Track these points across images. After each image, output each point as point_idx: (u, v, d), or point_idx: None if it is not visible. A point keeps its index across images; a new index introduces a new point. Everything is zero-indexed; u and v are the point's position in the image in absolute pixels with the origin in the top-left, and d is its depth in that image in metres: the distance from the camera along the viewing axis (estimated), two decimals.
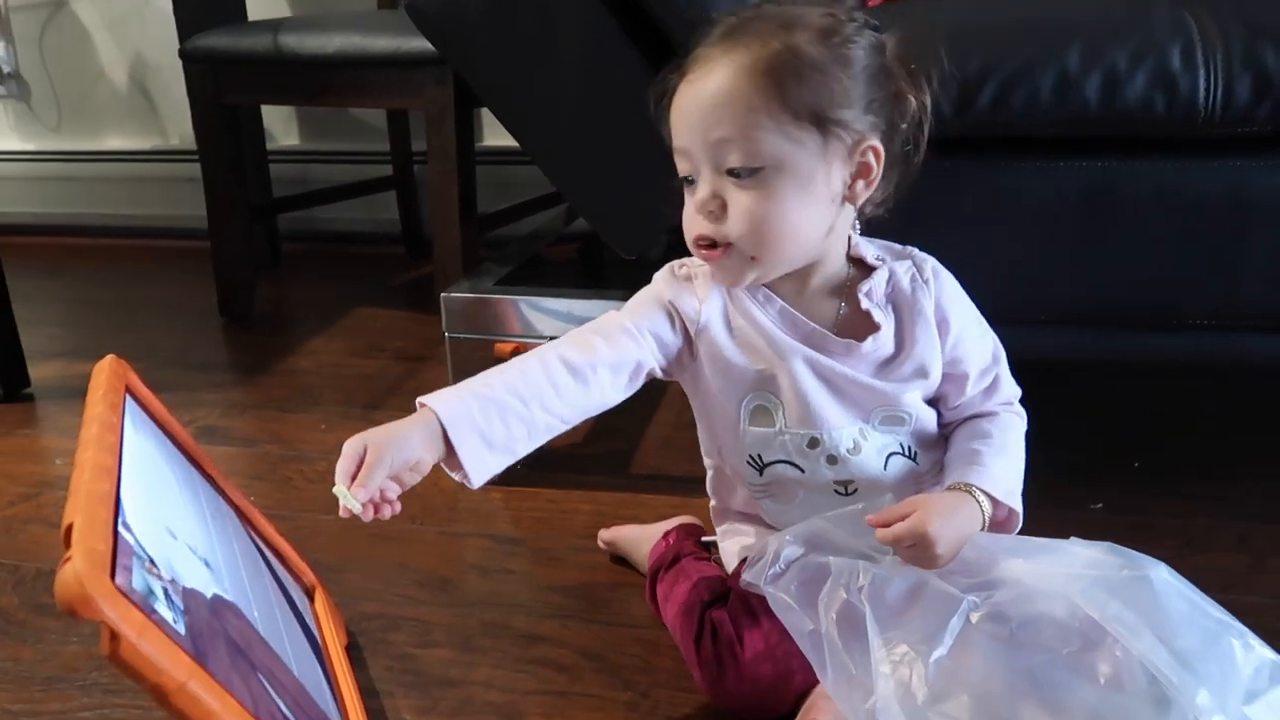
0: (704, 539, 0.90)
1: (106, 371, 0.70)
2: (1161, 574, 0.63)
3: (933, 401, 0.76)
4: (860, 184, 0.69)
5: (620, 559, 0.99)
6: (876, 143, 0.67)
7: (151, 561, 0.54)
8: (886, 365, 0.73)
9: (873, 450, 0.74)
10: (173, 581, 0.55)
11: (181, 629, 0.51)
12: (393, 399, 1.41)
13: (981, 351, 0.75)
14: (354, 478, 0.64)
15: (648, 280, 0.78)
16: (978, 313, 0.76)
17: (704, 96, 0.66)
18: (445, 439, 0.65)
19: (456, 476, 0.68)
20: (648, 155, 1.00)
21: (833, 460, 0.74)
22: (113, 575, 0.47)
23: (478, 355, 1.10)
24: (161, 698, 0.47)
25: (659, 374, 0.76)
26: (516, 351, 1.30)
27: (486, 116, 2.06)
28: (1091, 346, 0.95)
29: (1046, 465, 0.80)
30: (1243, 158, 0.85)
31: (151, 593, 0.51)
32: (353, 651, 0.85)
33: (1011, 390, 0.77)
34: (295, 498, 1.14)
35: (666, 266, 0.78)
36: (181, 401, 1.41)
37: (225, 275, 1.78)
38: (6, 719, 0.78)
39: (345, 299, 1.92)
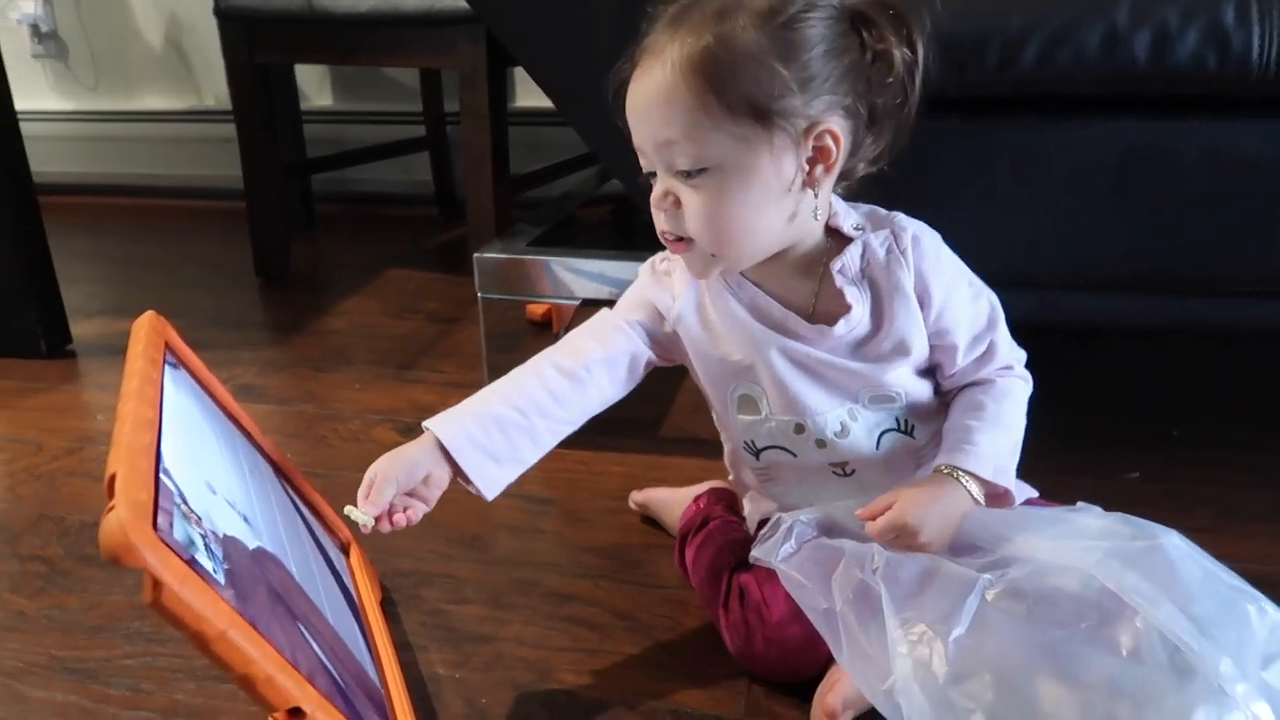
0: (733, 505, 0.91)
1: (146, 327, 0.71)
2: (1174, 541, 0.62)
3: (928, 371, 0.74)
4: (819, 169, 0.65)
5: (651, 520, 0.99)
6: (833, 125, 0.64)
7: (192, 512, 0.55)
8: (863, 345, 0.71)
9: (863, 430, 0.73)
10: (213, 532, 0.56)
11: (221, 578, 0.52)
12: (424, 359, 1.42)
13: (973, 318, 0.72)
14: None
15: None
16: (970, 278, 0.73)
17: (646, 97, 0.64)
18: (450, 459, 0.70)
19: (473, 491, 0.72)
20: None
21: (821, 444, 0.73)
22: (154, 524, 0.48)
23: (510, 316, 1.11)
24: (202, 645, 0.48)
25: (658, 362, 0.78)
26: (548, 314, 1.31)
27: (519, 76, 2.05)
28: (1131, 312, 0.93)
29: (1081, 432, 0.78)
30: None
31: (192, 542, 0.52)
32: (387, 606, 0.86)
33: (1010, 355, 0.74)
34: (330, 455, 1.15)
35: (648, 262, 0.78)
36: (218, 360, 1.43)
37: (260, 235, 1.79)
38: (54, 664, 0.80)
39: (378, 260, 1.93)
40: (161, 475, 0.55)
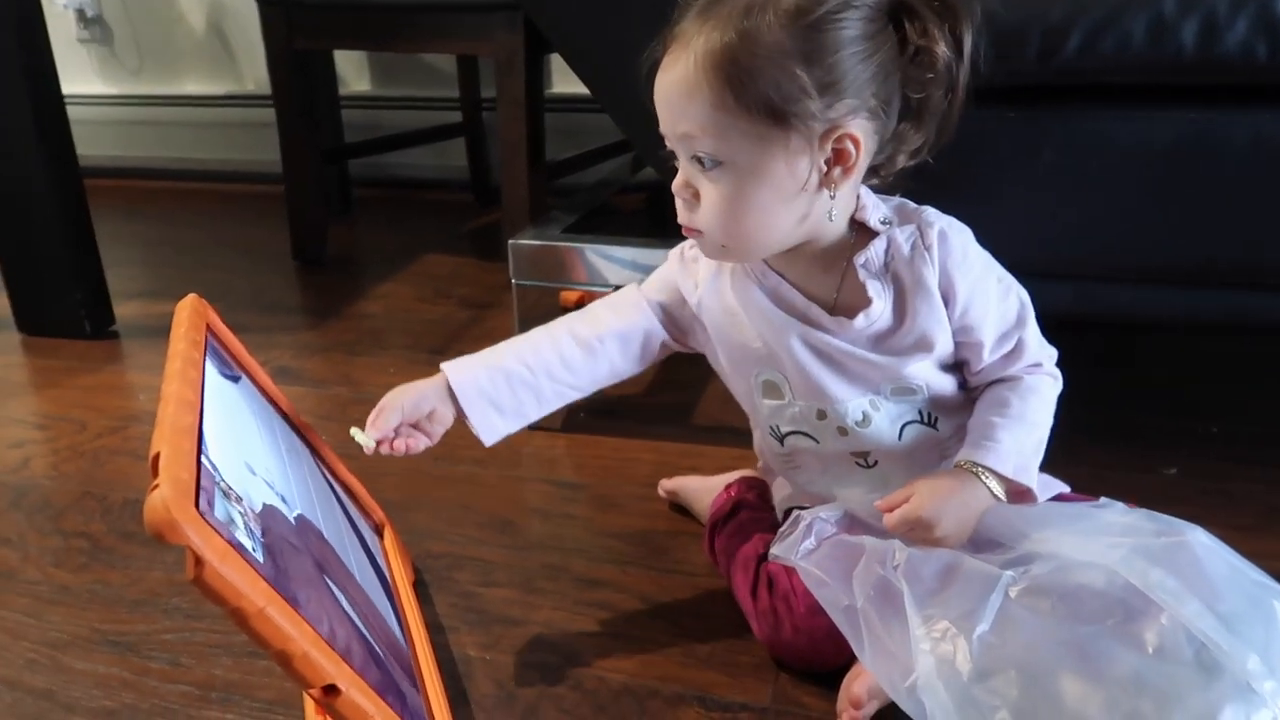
0: (764, 494, 0.91)
1: (189, 310, 0.72)
2: (1200, 537, 0.62)
3: (955, 367, 0.74)
4: (837, 171, 0.64)
5: (680, 508, 0.99)
6: (853, 129, 0.63)
7: (232, 491, 0.56)
8: (885, 339, 0.71)
9: (885, 420, 0.73)
10: (252, 511, 0.57)
11: (260, 556, 0.53)
12: (458, 345, 1.43)
13: (1001, 315, 0.71)
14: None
15: None
16: (1000, 274, 0.71)
17: (669, 86, 0.64)
18: (456, 402, 0.75)
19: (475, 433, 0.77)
20: None
21: (843, 431, 0.74)
22: (196, 503, 0.49)
23: (545, 302, 1.11)
24: (242, 621, 0.49)
25: (673, 345, 0.80)
26: (582, 300, 1.31)
27: (556, 63, 2.06)
28: (1176, 305, 0.92)
29: (1119, 427, 0.78)
30: None
31: (232, 521, 0.53)
32: (419, 588, 0.87)
33: (1040, 352, 0.73)
34: None
35: (678, 248, 0.79)
36: (255, 342, 1.44)
37: (298, 219, 1.81)
38: (96, 637, 0.82)
39: (414, 245, 1.95)
40: (203, 455, 0.56)
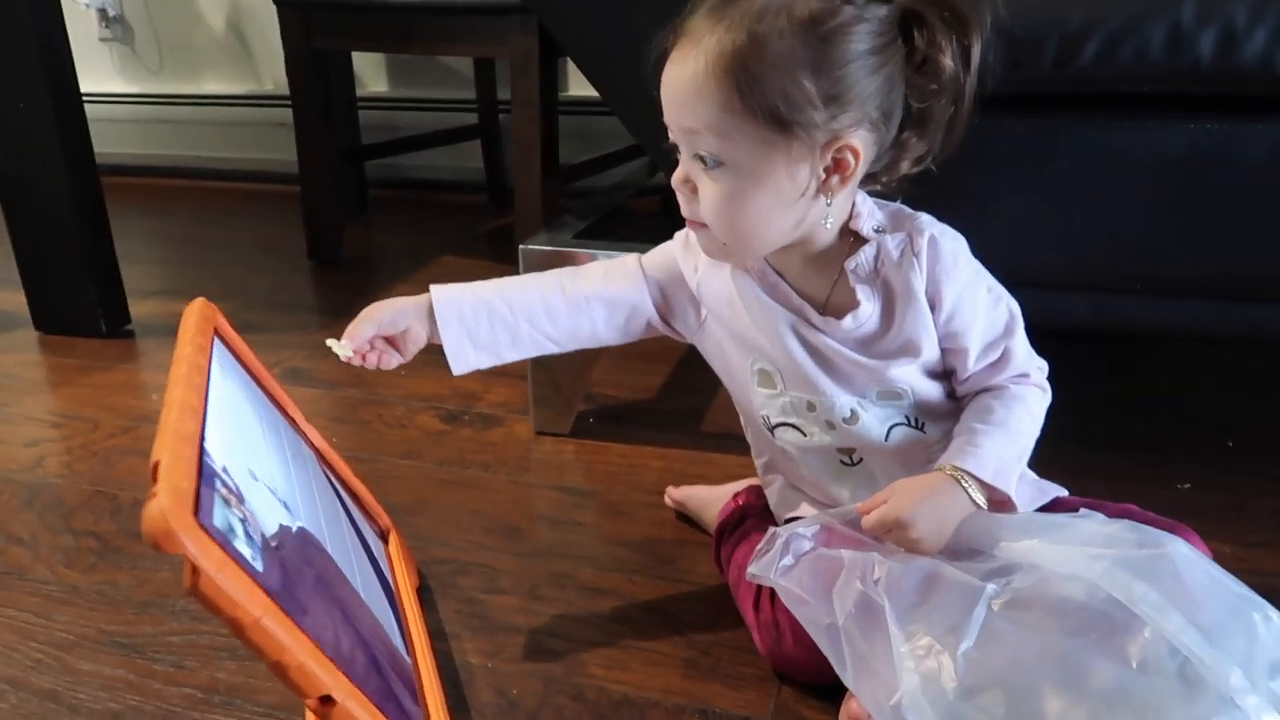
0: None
1: (196, 314, 0.72)
2: (1181, 549, 0.61)
3: (943, 374, 0.75)
4: (835, 179, 0.65)
5: (687, 518, 0.99)
6: (854, 140, 0.63)
7: (233, 498, 0.56)
8: (872, 342, 0.72)
9: (873, 420, 0.74)
10: (253, 518, 0.57)
11: (259, 565, 0.53)
12: None
13: (989, 324, 0.72)
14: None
15: None
16: (990, 283, 0.72)
17: (678, 82, 0.65)
18: (433, 323, 0.76)
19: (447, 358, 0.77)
20: None
21: (830, 426, 0.75)
22: (195, 511, 0.49)
23: None
24: (238, 631, 0.49)
25: (659, 326, 0.81)
26: None
27: (571, 66, 2.06)
28: (1191, 318, 0.91)
29: (1132, 438, 0.77)
30: None
31: (232, 529, 0.53)
32: (423, 594, 0.87)
33: (1028, 363, 0.73)
34: (374, 441, 1.17)
35: (683, 230, 0.78)
36: (269, 342, 1.46)
37: (314, 220, 1.82)
38: (102, 638, 0.83)
39: (429, 246, 1.95)
40: (205, 461, 0.56)
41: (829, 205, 0.67)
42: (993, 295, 0.72)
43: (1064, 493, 0.78)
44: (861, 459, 0.76)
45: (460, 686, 0.77)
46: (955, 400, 0.75)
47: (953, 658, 0.58)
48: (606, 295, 0.79)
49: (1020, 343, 0.73)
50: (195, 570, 0.47)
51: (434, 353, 1.41)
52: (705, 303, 0.78)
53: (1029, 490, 0.76)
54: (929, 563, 0.65)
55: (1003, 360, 0.73)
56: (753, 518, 0.87)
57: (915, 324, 0.70)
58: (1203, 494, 1.00)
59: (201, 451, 0.56)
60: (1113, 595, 0.59)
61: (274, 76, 2.36)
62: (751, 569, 0.71)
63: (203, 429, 0.58)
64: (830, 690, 0.72)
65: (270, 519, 0.61)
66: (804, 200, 0.66)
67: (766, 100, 0.61)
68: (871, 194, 0.73)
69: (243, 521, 0.55)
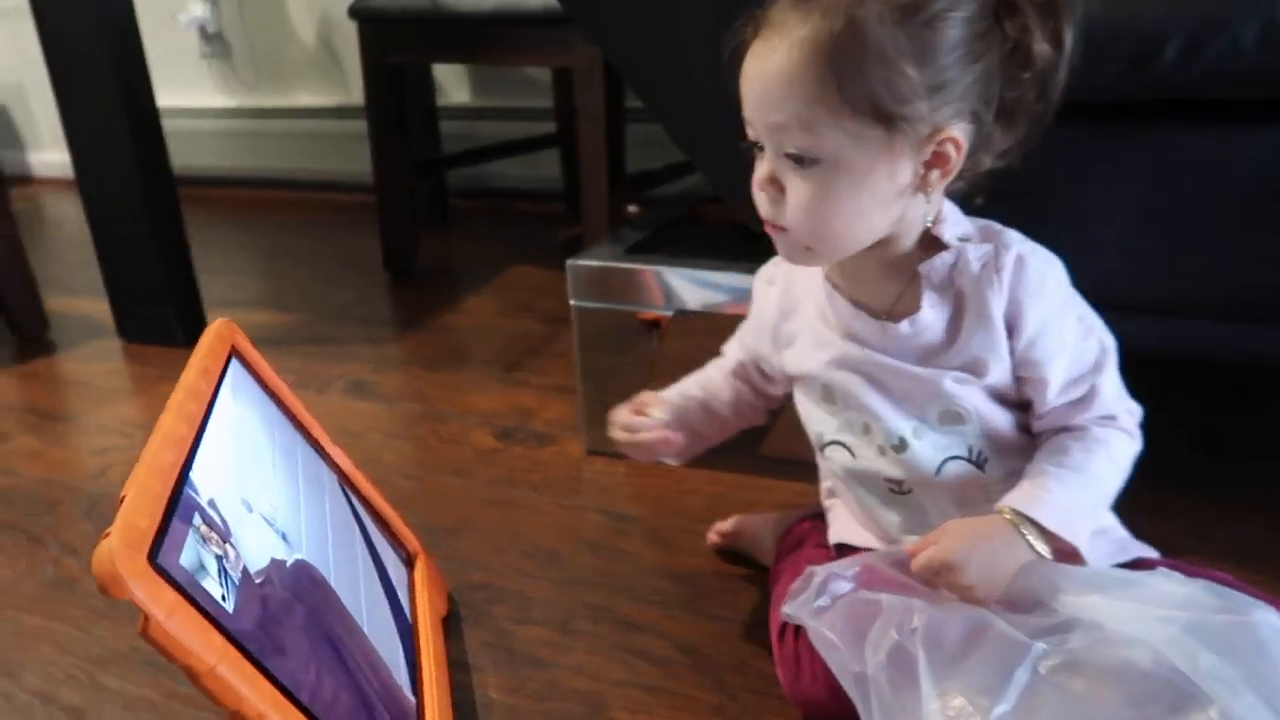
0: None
1: (211, 336, 0.71)
2: (1269, 618, 0.53)
3: (1018, 405, 0.67)
4: (935, 174, 0.61)
5: (734, 554, 0.93)
6: (956, 133, 0.59)
7: (213, 534, 0.54)
8: (932, 355, 0.66)
9: (926, 450, 0.67)
10: (236, 555, 0.55)
11: (230, 606, 0.51)
12: (532, 360, 1.41)
13: (1076, 356, 0.65)
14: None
15: None
16: (1082, 312, 0.66)
17: (766, 75, 0.60)
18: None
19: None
20: None
21: (882, 452, 0.69)
22: (154, 552, 0.47)
23: (607, 323, 1.07)
24: (192, 678, 0.47)
25: (769, 395, 0.81)
26: (658, 321, 1.25)
27: None
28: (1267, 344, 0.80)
29: (1217, 477, 0.68)
30: None
31: (202, 567, 0.51)
32: (452, 622, 0.85)
33: (1117, 405, 0.66)
34: (426, 457, 1.15)
35: (757, 275, 0.78)
36: (337, 354, 1.47)
37: (389, 232, 1.83)
38: (134, 656, 0.83)
39: (505, 256, 1.94)
40: (187, 493, 0.54)
41: (928, 202, 0.63)
42: (1083, 325, 0.66)
43: (1153, 554, 0.69)
44: (911, 490, 0.70)
45: None
46: (1028, 436, 0.68)
47: None
48: (720, 400, 0.82)
49: (1110, 380, 0.66)
50: (146, 615, 0.45)
51: (495, 365, 1.40)
52: (782, 332, 0.75)
53: (1106, 546, 0.68)
54: (976, 613, 0.59)
55: (1088, 398, 0.65)
56: (812, 542, 0.82)
57: (983, 343, 0.65)
58: None
59: (181, 483, 0.54)
60: (1177, 666, 0.51)
61: (361, 89, 2.40)
62: (785, 608, 0.66)
63: (189, 458, 0.56)
64: None
65: (261, 553, 0.58)
66: (901, 198, 0.62)
67: (868, 92, 0.57)
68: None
69: (219, 558, 0.53)
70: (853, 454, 0.71)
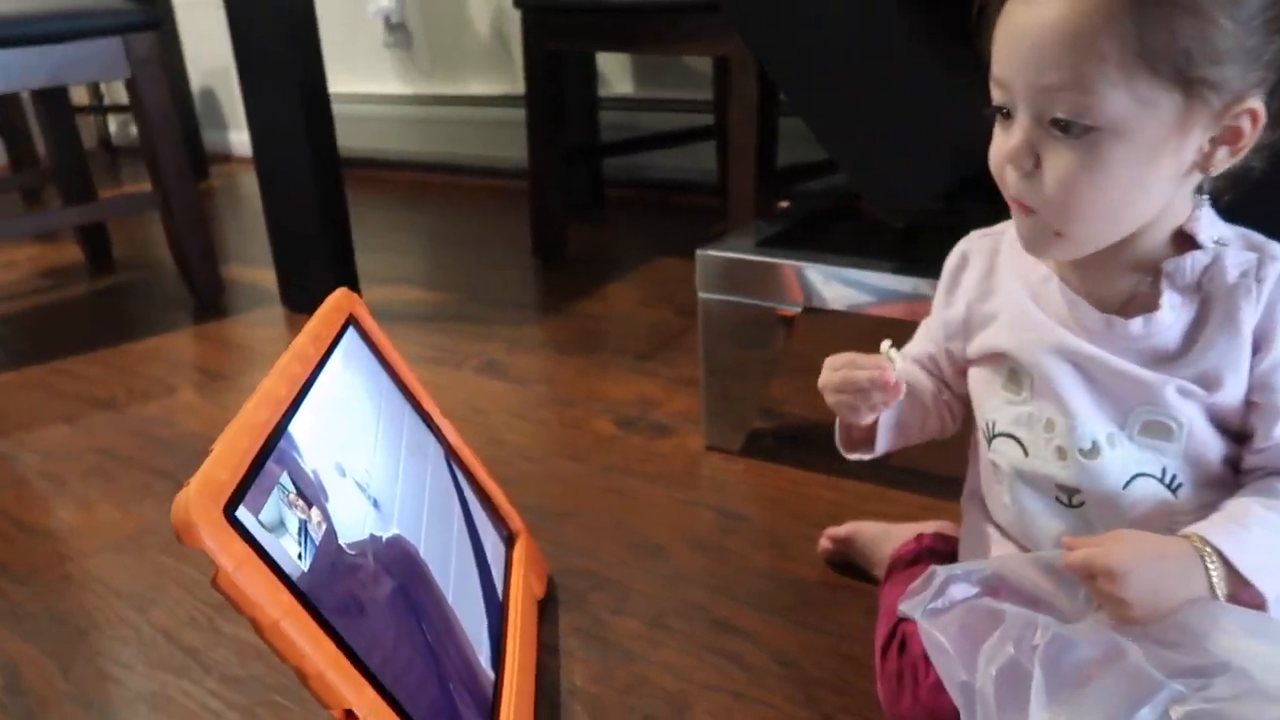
0: (955, 551, 0.78)
1: (330, 305, 0.74)
2: None
3: (1233, 435, 0.59)
4: (1222, 150, 0.54)
5: (845, 564, 0.89)
6: (1257, 104, 0.52)
7: (300, 496, 0.55)
8: (1161, 360, 0.59)
9: (1116, 462, 0.59)
10: (319, 517, 0.56)
11: (305, 565, 0.52)
12: (664, 352, 1.40)
13: None
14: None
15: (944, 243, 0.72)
16: None
17: (1040, 27, 0.53)
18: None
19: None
20: (920, 112, 0.88)
21: (1062, 454, 0.61)
22: (235, 504, 0.49)
23: (737, 318, 1.04)
24: (257, 630, 0.48)
25: (956, 391, 0.72)
26: (783, 318, 1.22)
27: None
28: None
29: None
30: None
31: (282, 525, 0.52)
32: (548, 605, 0.84)
33: None
34: (547, 440, 1.16)
35: (949, 258, 0.71)
36: (477, 334, 1.50)
37: (538, 218, 1.86)
38: None
39: (653, 247, 1.94)
40: (282, 448, 0.55)
41: (1206, 181, 0.56)
42: None
43: None
44: (1083, 503, 0.62)
45: (557, 710, 0.73)
46: (1231, 471, 0.60)
47: None
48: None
49: None
50: (217, 565, 0.46)
51: (626, 354, 1.39)
52: (980, 313, 0.67)
53: None
54: (1110, 638, 0.53)
55: None
56: (930, 560, 0.76)
57: (1223, 355, 0.57)
58: None
59: (273, 439, 0.55)
60: None
61: None
62: (902, 604, 0.61)
63: (286, 419, 0.58)
64: None
65: (353, 520, 0.59)
66: (1180, 178, 0.55)
67: (1176, 49, 0.50)
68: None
69: (302, 519, 0.54)
70: (1026, 451, 0.64)
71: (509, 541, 0.84)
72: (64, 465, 1.15)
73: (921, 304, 0.93)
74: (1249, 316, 0.57)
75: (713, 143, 2.12)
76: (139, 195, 1.99)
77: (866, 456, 0.70)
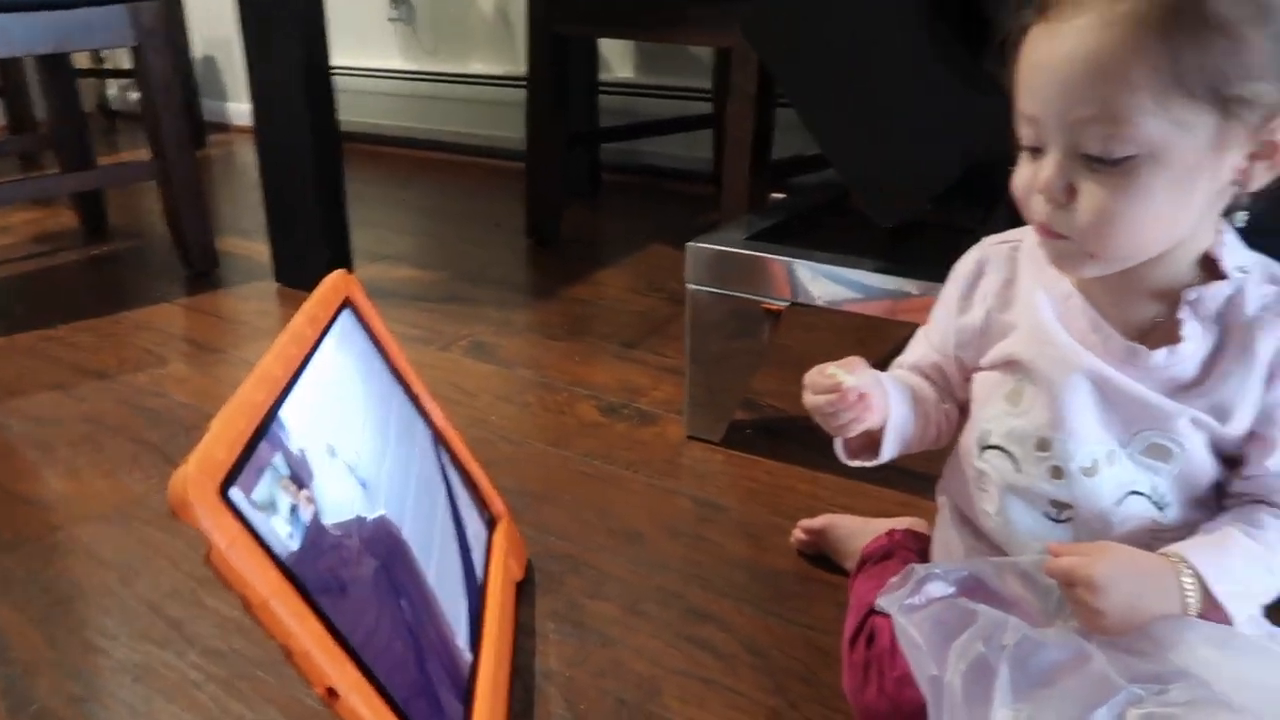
0: (926, 549, 0.81)
1: (327, 286, 0.75)
2: None
3: (1228, 460, 0.61)
4: (1260, 166, 0.54)
5: (817, 557, 0.91)
6: None
7: (292, 477, 0.57)
8: (1178, 390, 0.59)
9: (1112, 480, 0.60)
10: (308, 498, 0.58)
11: (295, 545, 0.54)
12: (651, 340, 1.41)
13: None
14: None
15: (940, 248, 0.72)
16: None
17: (1069, 60, 0.53)
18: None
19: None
20: (917, 115, 0.90)
21: (1058, 474, 0.62)
22: (227, 482, 0.50)
23: (724, 310, 1.06)
24: (246, 608, 0.50)
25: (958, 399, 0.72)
26: (770, 312, 1.23)
27: None
28: None
29: None
30: None
31: (273, 505, 0.54)
32: (525, 587, 0.86)
33: None
34: (529, 423, 1.18)
35: (961, 262, 0.70)
36: (465, 314, 1.52)
37: (534, 200, 1.87)
38: None
39: (647, 233, 1.95)
40: (273, 430, 0.57)
41: (1243, 197, 0.56)
42: None
43: None
44: (1070, 519, 0.63)
45: (532, 691, 0.75)
46: (1216, 493, 0.62)
47: None
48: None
49: None
50: (211, 543, 0.48)
51: (612, 340, 1.41)
52: (999, 322, 0.67)
53: (1249, 629, 0.61)
54: (1078, 644, 0.55)
55: None
56: (901, 556, 0.79)
57: (1238, 388, 0.58)
58: None
59: (268, 420, 0.57)
60: None
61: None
62: (879, 599, 0.63)
63: (280, 399, 0.59)
64: None
65: (340, 501, 0.61)
66: (1216, 198, 0.56)
67: (1211, 71, 0.50)
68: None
69: (293, 500, 0.56)
70: (1017, 467, 0.64)
71: (490, 525, 0.86)
72: (53, 433, 1.17)
73: (904, 302, 0.95)
74: (1265, 351, 0.57)
75: (709, 131, 2.14)
76: (137, 164, 1.99)
77: (870, 464, 0.69)
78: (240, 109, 3.08)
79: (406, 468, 0.74)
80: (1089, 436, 0.61)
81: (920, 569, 0.62)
